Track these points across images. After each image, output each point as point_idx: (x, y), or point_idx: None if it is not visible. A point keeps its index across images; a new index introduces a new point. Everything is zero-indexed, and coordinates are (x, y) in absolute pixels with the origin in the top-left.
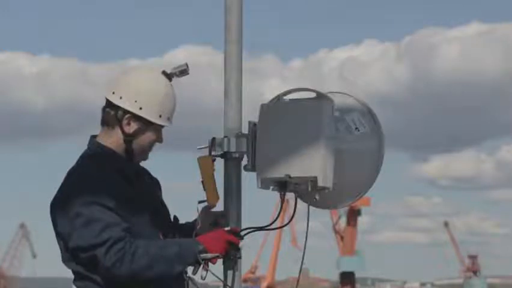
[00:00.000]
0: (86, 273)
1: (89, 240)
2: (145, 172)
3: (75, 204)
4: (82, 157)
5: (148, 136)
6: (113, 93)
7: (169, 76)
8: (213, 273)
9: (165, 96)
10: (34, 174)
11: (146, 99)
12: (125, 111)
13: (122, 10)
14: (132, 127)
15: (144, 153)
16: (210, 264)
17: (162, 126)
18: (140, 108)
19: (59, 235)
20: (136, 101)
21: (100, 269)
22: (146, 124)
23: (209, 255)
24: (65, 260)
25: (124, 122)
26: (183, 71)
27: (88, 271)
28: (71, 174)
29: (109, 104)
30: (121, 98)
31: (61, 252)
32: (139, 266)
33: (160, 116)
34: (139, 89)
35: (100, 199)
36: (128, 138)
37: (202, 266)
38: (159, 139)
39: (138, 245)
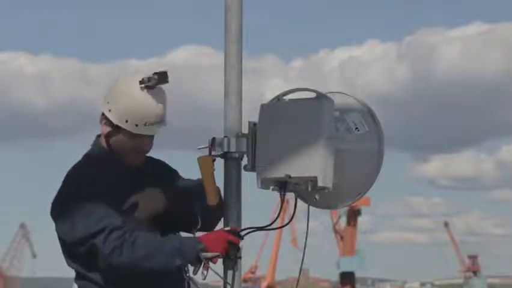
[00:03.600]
0: (84, 272)
1: (88, 229)
2: (154, 170)
3: (72, 201)
4: (84, 156)
5: (120, 140)
6: (106, 93)
7: (144, 83)
8: (214, 271)
9: (133, 102)
10: (34, 174)
11: (115, 103)
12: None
13: (123, 10)
14: (106, 128)
15: (127, 157)
16: (210, 263)
17: (136, 134)
18: (109, 110)
19: (59, 233)
20: (108, 103)
21: (100, 258)
22: (116, 128)
23: (209, 254)
24: (66, 257)
25: (102, 122)
26: (150, 79)
27: (87, 270)
28: (70, 172)
29: None
30: (104, 98)
31: (62, 249)
32: (138, 255)
33: (126, 121)
34: (113, 91)
35: (95, 196)
36: (106, 139)
37: (203, 265)
38: (139, 146)
39: (138, 235)
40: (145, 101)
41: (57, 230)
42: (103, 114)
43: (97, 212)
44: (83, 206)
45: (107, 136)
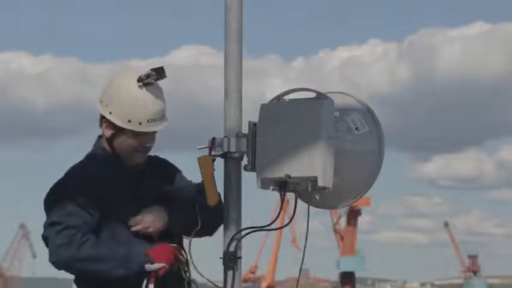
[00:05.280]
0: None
1: (48, 220)
2: (157, 168)
3: (48, 199)
4: (85, 156)
5: (124, 140)
6: (99, 97)
7: (142, 80)
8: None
9: (133, 101)
10: (34, 174)
11: (115, 104)
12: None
13: (123, 10)
14: (109, 131)
15: (130, 157)
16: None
17: (139, 132)
18: (110, 113)
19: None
20: (107, 105)
21: (48, 250)
22: (120, 129)
23: (154, 266)
24: None
25: (103, 125)
26: (148, 76)
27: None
28: (68, 170)
29: None
30: (101, 101)
31: None
32: (82, 256)
33: (130, 121)
34: (110, 93)
35: (72, 195)
36: (109, 142)
37: (149, 277)
38: (143, 144)
39: (90, 238)
40: (145, 98)
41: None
42: (103, 117)
43: (62, 209)
44: (55, 204)
45: (110, 138)
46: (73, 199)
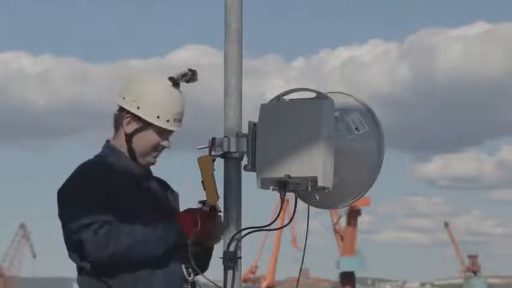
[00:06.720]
0: (88, 268)
1: (78, 223)
2: (159, 181)
3: (68, 196)
4: (96, 155)
5: (148, 137)
6: (119, 95)
7: (173, 80)
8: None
9: (164, 98)
10: (34, 174)
11: (144, 99)
12: (126, 111)
13: (123, 10)
14: (132, 127)
15: (147, 155)
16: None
17: (165, 129)
18: (138, 108)
19: (60, 224)
20: (134, 101)
21: (87, 251)
22: (145, 124)
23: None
24: (68, 250)
25: (125, 121)
26: (184, 75)
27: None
28: (82, 167)
29: (118, 107)
30: (123, 98)
31: (65, 243)
32: (124, 245)
33: (158, 117)
34: (139, 89)
35: (90, 192)
36: (129, 138)
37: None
38: (164, 142)
39: (123, 228)
40: (176, 97)
41: (59, 217)
42: (128, 112)
43: (87, 207)
44: (75, 202)
45: (131, 135)
46: (89, 197)
